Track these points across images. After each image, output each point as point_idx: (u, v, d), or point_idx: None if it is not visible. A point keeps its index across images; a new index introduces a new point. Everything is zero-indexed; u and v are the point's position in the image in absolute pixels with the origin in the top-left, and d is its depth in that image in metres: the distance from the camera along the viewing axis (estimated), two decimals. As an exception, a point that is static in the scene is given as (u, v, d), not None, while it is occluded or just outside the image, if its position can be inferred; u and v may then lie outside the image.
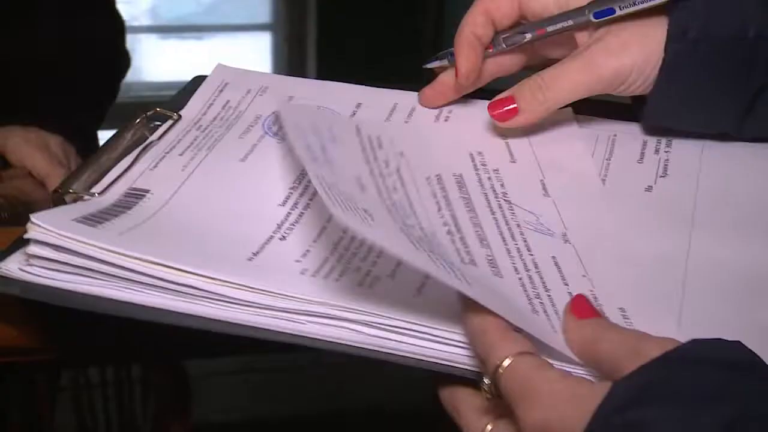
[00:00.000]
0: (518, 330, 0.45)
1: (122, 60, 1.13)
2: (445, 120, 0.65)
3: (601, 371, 0.43)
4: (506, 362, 0.42)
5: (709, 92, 0.59)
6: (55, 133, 0.89)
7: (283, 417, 1.86)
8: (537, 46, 0.64)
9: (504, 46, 0.63)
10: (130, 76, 1.16)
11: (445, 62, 0.64)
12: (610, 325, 0.45)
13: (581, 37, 0.61)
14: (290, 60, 2.86)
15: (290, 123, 0.54)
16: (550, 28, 0.61)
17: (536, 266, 0.52)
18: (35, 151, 0.85)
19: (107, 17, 1.10)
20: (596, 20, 0.60)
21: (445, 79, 0.64)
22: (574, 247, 0.54)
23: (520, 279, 0.50)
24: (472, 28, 0.62)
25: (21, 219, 0.71)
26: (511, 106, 0.60)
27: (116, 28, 1.12)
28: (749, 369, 0.39)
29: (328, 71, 2.57)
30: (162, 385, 1.26)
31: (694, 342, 0.40)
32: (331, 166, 0.52)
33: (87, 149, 0.95)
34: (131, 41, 1.16)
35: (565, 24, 0.61)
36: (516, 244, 0.53)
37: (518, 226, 0.55)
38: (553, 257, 0.53)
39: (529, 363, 0.42)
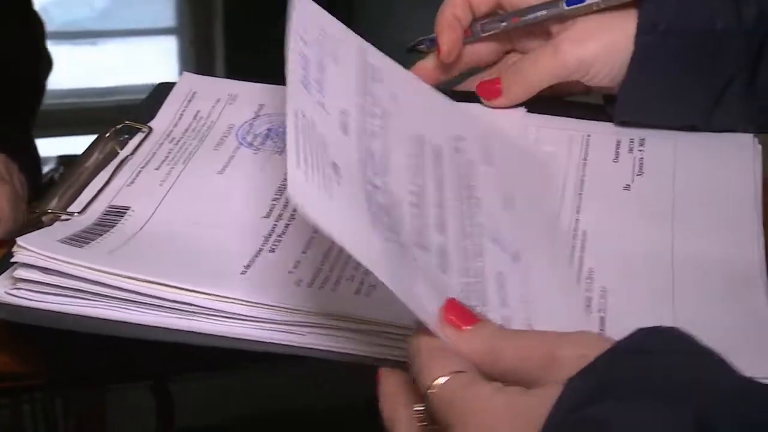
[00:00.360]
0: None
1: (45, 62, 1.09)
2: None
3: (506, 381, 0.39)
4: (437, 383, 0.39)
5: (678, 84, 0.61)
6: None
7: (264, 415, 1.83)
8: (514, 38, 0.66)
9: (480, 33, 0.65)
10: None
11: (423, 48, 0.66)
12: (503, 331, 0.42)
13: (555, 29, 0.64)
14: (198, 64, 2.81)
15: (295, 28, 0.50)
16: (524, 18, 0.64)
17: (482, 276, 0.49)
18: None
19: (27, 19, 1.07)
20: (568, 8, 0.62)
21: (423, 64, 0.67)
22: (523, 269, 0.51)
23: (461, 283, 0.48)
24: (452, 9, 0.65)
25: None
26: (497, 86, 0.64)
27: (37, 29, 1.08)
28: (700, 355, 0.39)
29: (237, 74, 2.55)
30: (80, 402, 1.25)
31: (637, 332, 0.39)
32: (322, 91, 0.50)
33: (27, 159, 0.93)
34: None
35: (539, 14, 0.63)
36: (471, 244, 0.51)
37: (478, 225, 0.53)
38: (500, 273, 0.50)
39: (460, 381, 0.39)
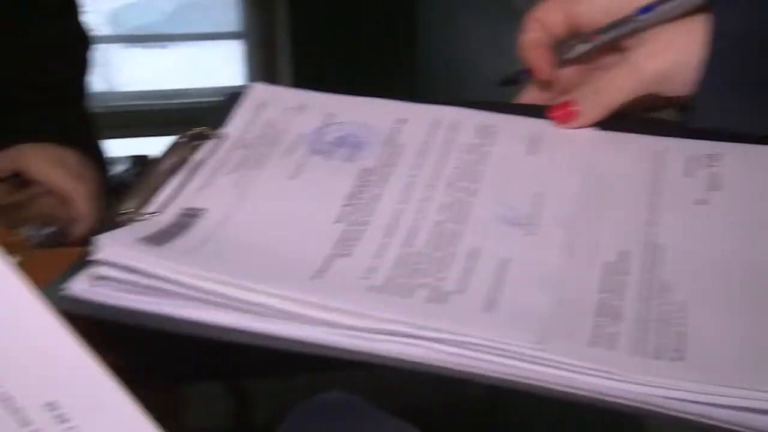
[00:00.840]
0: None
1: (86, 40, 1.08)
2: (492, 133, 0.66)
3: None
4: None
5: (753, 90, 0.61)
6: (70, 148, 0.89)
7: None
8: (593, 57, 0.68)
9: (565, 56, 0.67)
10: (99, 86, 1.12)
11: (520, 78, 0.69)
12: None
13: (629, 43, 0.65)
14: (263, 68, 2.85)
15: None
16: (604, 36, 0.65)
17: None
18: (54, 167, 0.85)
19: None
20: (642, 16, 0.63)
21: (524, 97, 0.69)
22: None
23: None
24: (530, 34, 0.67)
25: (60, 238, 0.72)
26: (572, 109, 0.65)
27: (74, 8, 1.06)
28: None
29: (302, 77, 2.58)
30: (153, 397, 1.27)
31: None
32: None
33: (96, 158, 0.95)
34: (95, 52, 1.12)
35: (618, 30, 0.65)
36: None
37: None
38: None
39: None
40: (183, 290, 0.50)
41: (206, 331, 0.50)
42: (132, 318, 0.51)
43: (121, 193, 0.61)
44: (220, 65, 3.13)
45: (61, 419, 0.40)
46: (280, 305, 0.50)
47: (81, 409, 0.40)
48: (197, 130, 0.65)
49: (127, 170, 1.44)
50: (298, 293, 0.50)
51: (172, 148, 0.64)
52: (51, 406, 0.40)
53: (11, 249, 0.58)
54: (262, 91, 0.70)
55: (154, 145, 1.15)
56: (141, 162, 1.38)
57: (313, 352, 0.50)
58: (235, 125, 0.66)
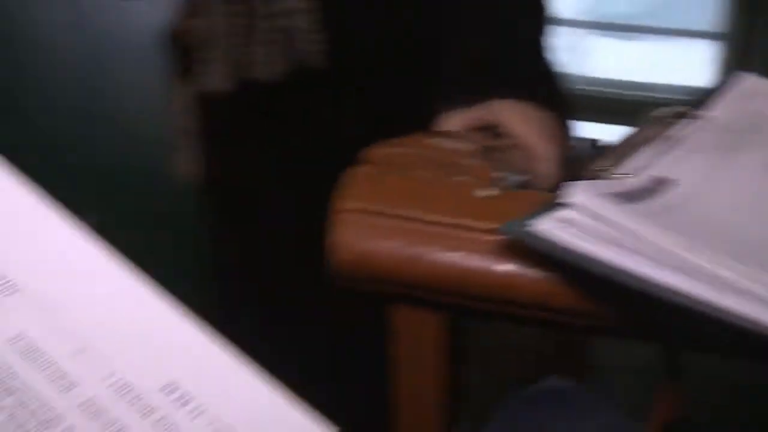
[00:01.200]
0: None
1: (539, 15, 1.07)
2: None
3: None
4: None
5: None
6: (547, 111, 0.93)
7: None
8: None
9: None
10: (570, 69, 1.12)
11: None
12: None
13: None
14: (735, 71, 2.75)
15: None
16: None
17: None
18: (530, 126, 0.90)
19: None
20: None
21: None
22: None
23: None
24: None
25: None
26: None
27: None
28: None
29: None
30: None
31: None
32: None
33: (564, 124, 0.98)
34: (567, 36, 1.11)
35: None
36: None
37: None
38: None
39: None
40: (643, 247, 0.52)
41: (656, 290, 0.52)
42: (588, 264, 0.53)
43: (575, 168, 0.64)
44: (688, 64, 3.07)
45: (183, 401, 0.37)
46: (737, 281, 0.50)
47: (201, 388, 0.37)
48: (679, 109, 0.67)
49: (582, 150, 1.48)
50: (759, 274, 0.50)
51: (652, 121, 0.66)
52: (169, 388, 0.37)
53: (490, 183, 0.65)
54: (752, 82, 0.70)
55: (606, 131, 1.16)
56: (594, 145, 1.41)
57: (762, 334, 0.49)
58: (721, 110, 0.67)
